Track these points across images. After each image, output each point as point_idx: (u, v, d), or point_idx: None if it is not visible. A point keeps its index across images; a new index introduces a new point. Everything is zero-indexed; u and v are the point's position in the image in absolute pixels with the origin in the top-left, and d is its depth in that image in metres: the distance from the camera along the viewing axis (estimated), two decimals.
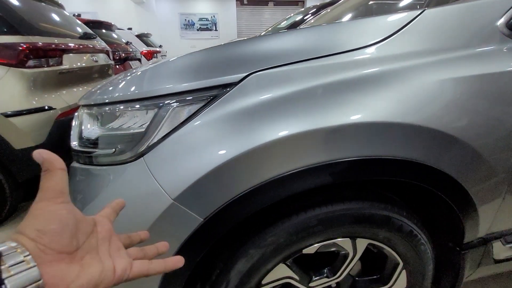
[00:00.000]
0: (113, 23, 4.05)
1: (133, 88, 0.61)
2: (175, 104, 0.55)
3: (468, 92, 0.58)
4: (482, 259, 0.79)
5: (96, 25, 3.54)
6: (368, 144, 0.54)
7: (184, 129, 0.53)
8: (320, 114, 0.53)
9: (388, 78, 0.56)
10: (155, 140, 0.54)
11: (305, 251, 0.62)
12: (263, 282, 0.63)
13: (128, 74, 0.70)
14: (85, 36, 2.09)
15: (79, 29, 2.13)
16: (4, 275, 0.21)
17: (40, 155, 0.27)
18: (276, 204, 0.63)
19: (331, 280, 0.69)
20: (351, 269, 0.69)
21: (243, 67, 0.56)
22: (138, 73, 0.65)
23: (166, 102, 0.55)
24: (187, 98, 0.55)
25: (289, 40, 0.61)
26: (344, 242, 0.64)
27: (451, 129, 0.57)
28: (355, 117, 0.53)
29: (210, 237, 0.54)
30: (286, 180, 0.52)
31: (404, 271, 0.72)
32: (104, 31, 3.83)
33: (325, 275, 0.68)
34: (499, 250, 0.79)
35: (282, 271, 0.64)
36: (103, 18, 5.15)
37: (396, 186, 0.75)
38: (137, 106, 0.58)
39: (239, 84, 0.55)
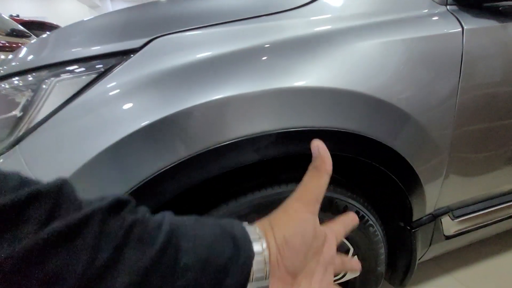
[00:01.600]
0: (58, 24, 3.73)
1: (18, 63, 0.49)
2: (61, 76, 0.44)
3: (402, 56, 0.55)
4: (433, 236, 0.77)
5: (36, 26, 3.23)
6: (299, 113, 0.48)
7: (71, 107, 0.43)
8: (240, 80, 0.45)
9: (319, 41, 0.51)
10: (32, 124, 0.43)
11: None
12: None
13: (26, 47, 0.57)
14: (14, 34, 1.86)
15: (7, 27, 1.89)
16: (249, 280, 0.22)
17: (317, 147, 0.25)
18: (201, 194, 0.54)
19: None
20: None
21: (148, 31, 0.47)
22: (33, 44, 0.54)
23: (48, 75, 0.44)
24: (75, 70, 0.44)
25: (208, 2, 0.53)
26: None
27: (388, 96, 0.53)
28: (281, 83, 0.46)
29: None
30: (202, 160, 0.44)
31: (355, 257, 0.66)
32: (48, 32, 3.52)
33: None
34: (449, 225, 0.77)
35: None
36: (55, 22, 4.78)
37: (340, 165, 0.70)
38: (16, 82, 0.46)
39: (142, 50, 0.45)
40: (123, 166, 0.42)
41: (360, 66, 0.51)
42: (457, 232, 0.80)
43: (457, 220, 0.78)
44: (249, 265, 0.22)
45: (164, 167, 0.42)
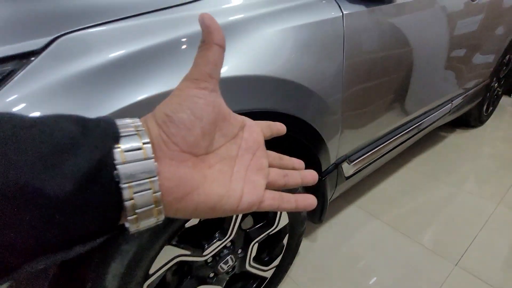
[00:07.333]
0: None
1: None
2: None
3: (300, 40, 0.65)
4: (337, 179, 0.99)
5: None
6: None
7: None
8: (161, 77, 0.47)
9: (232, 30, 0.55)
10: None
11: (188, 224, 0.60)
12: (151, 271, 0.58)
13: None
14: None
15: None
16: (117, 161, 0.17)
17: (203, 20, 0.21)
18: None
19: (224, 241, 0.71)
20: (240, 224, 0.72)
21: (48, 28, 0.43)
22: None
23: None
24: None
25: None
26: None
27: (293, 76, 0.63)
28: None
29: None
30: None
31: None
32: None
33: (217, 238, 0.69)
34: (347, 168, 1.00)
35: (169, 253, 0.60)
36: None
37: None
38: None
39: (44, 52, 0.42)
40: None
41: (267, 52, 0.59)
42: (354, 172, 1.04)
43: (353, 163, 1.02)
44: (108, 142, 0.18)
45: None
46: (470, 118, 1.93)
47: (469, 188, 1.50)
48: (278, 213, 0.80)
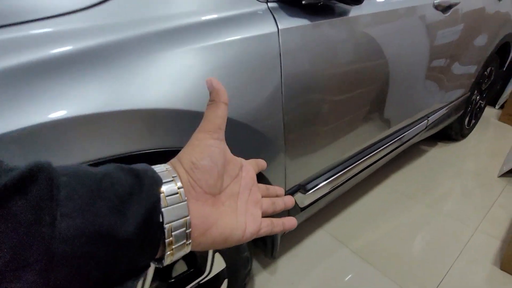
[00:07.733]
0: None
1: None
2: None
3: (219, 62, 0.54)
4: (290, 212, 0.87)
5: None
6: (106, 141, 0.42)
7: None
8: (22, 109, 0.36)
9: (112, 54, 0.44)
10: None
11: None
12: None
13: None
14: None
15: None
16: (161, 205, 0.22)
17: (211, 83, 0.27)
18: None
19: None
20: (156, 275, 0.61)
21: None
22: None
23: None
24: None
25: None
26: None
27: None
28: (71, 111, 0.39)
29: None
30: None
31: (217, 253, 0.70)
32: None
33: None
34: (302, 199, 0.89)
35: None
36: None
37: None
38: None
39: None
40: None
41: (168, 79, 0.47)
42: (310, 202, 0.93)
43: (309, 192, 0.91)
44: (156, 190, 0.21)
45: None
46: (451, 132, 1.84)
47: (447, 209, 1.40)
48: (210, 258, 0.69)
